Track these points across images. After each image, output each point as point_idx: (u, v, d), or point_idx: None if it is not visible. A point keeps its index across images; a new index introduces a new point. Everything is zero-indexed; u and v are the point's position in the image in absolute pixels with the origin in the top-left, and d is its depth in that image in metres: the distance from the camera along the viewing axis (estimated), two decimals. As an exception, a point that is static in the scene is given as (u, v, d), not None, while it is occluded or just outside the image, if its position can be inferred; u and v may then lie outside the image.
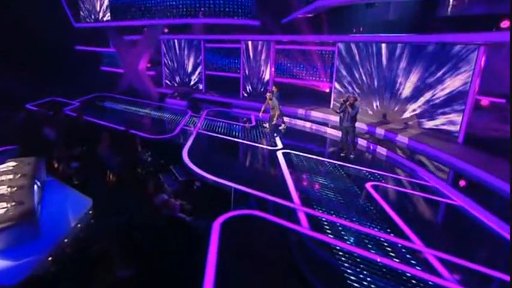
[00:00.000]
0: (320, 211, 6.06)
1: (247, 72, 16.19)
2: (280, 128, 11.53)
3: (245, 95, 16.49)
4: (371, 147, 10.08)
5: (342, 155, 9.16)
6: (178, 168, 7.71)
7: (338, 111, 9.21)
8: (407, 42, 10.68)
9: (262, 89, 15.80)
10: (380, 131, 11.12)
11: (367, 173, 8.07)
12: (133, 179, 7.12)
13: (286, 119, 12.29)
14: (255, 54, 15.85)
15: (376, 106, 12.36)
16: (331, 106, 9.26)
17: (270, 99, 10.43)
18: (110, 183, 6.94)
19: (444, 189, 7.27)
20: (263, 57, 15.62)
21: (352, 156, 9.04)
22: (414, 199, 6.95)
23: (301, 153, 9.15)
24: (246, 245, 5.05)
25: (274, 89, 11.93)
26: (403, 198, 6.99)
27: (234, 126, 12.04)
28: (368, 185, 7.27)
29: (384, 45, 11.64)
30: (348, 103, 8.79)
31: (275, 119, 10.85)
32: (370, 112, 12.52)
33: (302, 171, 7.92)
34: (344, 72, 13.45)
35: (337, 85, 13.76)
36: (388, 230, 5.55)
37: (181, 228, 5.49)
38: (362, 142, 10.39)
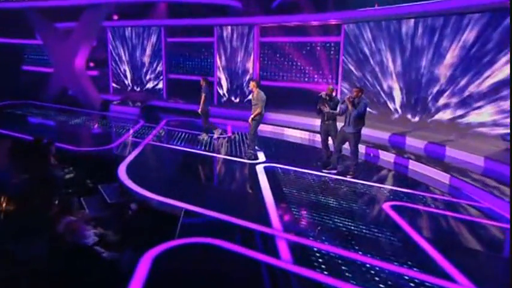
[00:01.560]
0: (310, 239, 5.69)
1: (222, 72, 16.27)
2: (201, 137, 11.78)
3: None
4: (395, 160, 10.03)
5: (350, 173, 8.62)
6: (109, 188, 7.81)
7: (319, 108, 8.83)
8: (442, 11, 10.65)
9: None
10: (405, 138, 11.27)
11: (385, 191, 8.10)
12: (37, 202, 6.79)
13: (269, 127, 12.50)
14: (234, 48, 15.85)
15: (399, 108, 12.55)
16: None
17: (254, 87, 9.67)
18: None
19: (503, 211, 6.96)
20: (244, 51, 15.68)
21: (352, 173, 8.65)
22: (459, 225, 6.65)
23: (289, 168, 9.28)
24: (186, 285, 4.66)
25: (202, 82, 11.49)
26: (441, 223, 6.73)
27: (202, 137, 12.02)
28: (386, 205, 7.05)
29: (406, 23, 11.76)
30: (347, 98, 8.28)
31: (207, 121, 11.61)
32: (392, 116, 12.74)
33: (288, 188, 7.93)
34: (353, 67, 13.62)
35: (344, 86, 13.87)
36: (411, 264, 4.90)
37: (93, 264, 5.15)
38: (385, 156, 10.32)
